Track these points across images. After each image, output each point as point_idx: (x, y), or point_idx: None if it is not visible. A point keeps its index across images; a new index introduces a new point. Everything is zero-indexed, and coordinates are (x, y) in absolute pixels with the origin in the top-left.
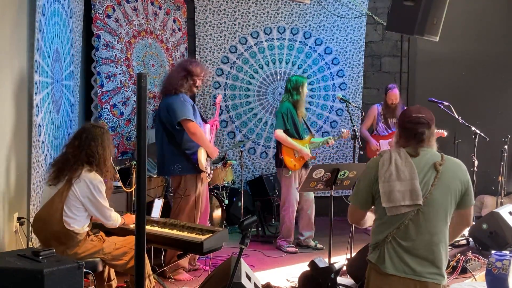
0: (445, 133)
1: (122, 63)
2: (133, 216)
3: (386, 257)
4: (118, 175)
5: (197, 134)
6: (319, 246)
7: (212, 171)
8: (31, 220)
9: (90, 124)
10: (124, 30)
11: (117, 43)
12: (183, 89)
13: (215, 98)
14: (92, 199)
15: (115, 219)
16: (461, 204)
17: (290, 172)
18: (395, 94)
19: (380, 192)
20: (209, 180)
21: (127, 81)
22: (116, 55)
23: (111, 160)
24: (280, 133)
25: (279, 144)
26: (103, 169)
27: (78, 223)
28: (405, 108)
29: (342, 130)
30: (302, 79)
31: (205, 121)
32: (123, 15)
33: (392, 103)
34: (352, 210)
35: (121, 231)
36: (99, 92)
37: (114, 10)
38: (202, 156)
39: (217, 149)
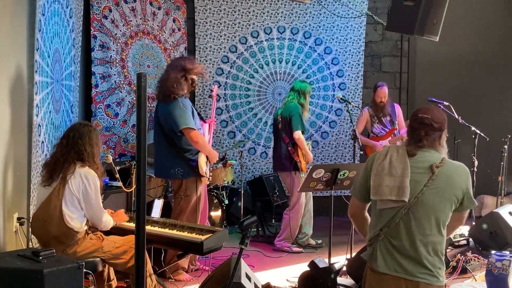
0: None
1: (117, 64)
2: (122, 214)
3: (378, 255)
4: (118, 175)
5: (199, 142)
6: (319, 242)
7: (211, 174)
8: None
9: (78, 123)
10: (120, 31)
11: (113, 44)
12: (182, 92)
13: (211, 90)
14: (85, 194)
15: (107, 221)
16: (459, 207)
17: (302, 175)
18: (383, 92)
19: (371, 184)
20: (208, 182)
21: (122, 82)
22: (111, 56)
23: (112, 160)
24: (301, 134)
25: (293, 147)
26: (93, 167)
27: (77, 221)
28: (418, 108)
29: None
30: (309, 87)
31: (203, 121)
32: (120, 16)
33: (381, 101)
34: (351, 202)
35: (120, 231)
36: (94, 92)
37: (110, 11)
38: (202, 161)
39: (217, 153)
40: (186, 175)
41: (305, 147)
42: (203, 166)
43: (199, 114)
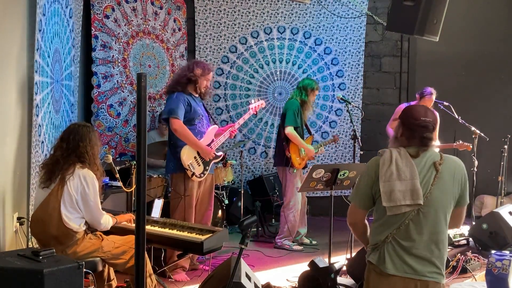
0: (471, 146)
1: (119, 64)
2: (126, 215)
3: (386, 258)
4: (118, 175)
5: (178, 130)
6: (314, 242)
7: (204, 174)
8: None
9: (76, 124)
10: (122, 30)
11: (115, 43)
12: (180, 87)
13: (249, 102)
14: (84, 196)
15: (106, 222)
16: (460, 201)
17: (295, 171)
18: (431, 101)
19: (381, 191)
20: (199, 179)
21: (124, 82)
22: (113, 55)
23: (112, 160)
24: (292, 130)
25: (286, 142)
26: (94, 168)
27: (76, 221)
28: (408, 107)
29: (332, 136)
30: (314, 85)
31: (214, 122)
32: (122, 16)
33: None
34: (351, 210)
35: (120, 231)
36: (96, 92)
37: (113, 10)
38: (185, 154)
39: (212, 150)
40: (175, 169)
41: (299, 142)
42: (186, 160)
43: (212, 118)
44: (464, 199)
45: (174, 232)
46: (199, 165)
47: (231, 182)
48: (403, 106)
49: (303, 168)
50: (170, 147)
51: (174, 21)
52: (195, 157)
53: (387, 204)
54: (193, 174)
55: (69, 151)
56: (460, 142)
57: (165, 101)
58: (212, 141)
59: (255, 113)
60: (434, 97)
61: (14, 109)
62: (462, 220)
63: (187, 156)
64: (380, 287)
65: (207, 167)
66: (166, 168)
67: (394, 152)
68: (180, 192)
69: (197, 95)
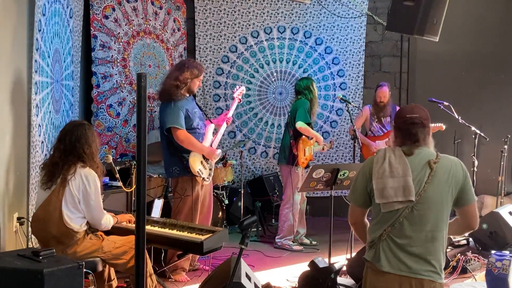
0: (444, 126)
1: (118, 64)
2: (126, 215)
3: (381, 255)
4: (118, 175)
5: (184, 141)
6: (314, 242)
7: (211, 175)
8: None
9: (71, 124)
10: (123, 30)
11: (114, 43)
12: (175, 96)
13: (233, 90)
14: (85, 195)
15: (107, 222)
16: (460, 201)
17: (299, 169)
18: (383, 92)
19: (374, 188)
20: (207, 182)
21: (123, 82)
22: (112, 55)
23: (113, 160)
24: (303, 124)
25: (294, 140)
26: (93, 166)
27: (77, 221)
28: (399, 108)
29: (330, 140)
30: (310, 81)
31: (209, 120)
32: (122, 15)
33: (381, 101)
34: (351, 209)
35: (120, 231)
36: (95, 92)
37: (113, 10)
38: (194, 161)
39: (215, 149)
40: (182, 174)
41: (312, 132)
42: (195, 166)
43: (205, 114)
44: (468, 196)
45: (174, 232)
46: (206, 169)
47: (231, 182)
48: (367, 107)
49: (305, 167)
50: (172, 151)
51: (174, 21)
52: (201, 162)
53: (379, 200)
54: (203, 179)
55: (67, 152)
56: (432, 125)
57: (157, 107)
58: (212, 140)
59: (239, 101)
60: (386, 88)
61: (13, 109)
62: (476, 219)
63: (195, 162)
64: (376, 285)
65: (211, 168)
66: (169, 173)
67: (388, 151)
68: (189, 194)
69: (189, 95)
